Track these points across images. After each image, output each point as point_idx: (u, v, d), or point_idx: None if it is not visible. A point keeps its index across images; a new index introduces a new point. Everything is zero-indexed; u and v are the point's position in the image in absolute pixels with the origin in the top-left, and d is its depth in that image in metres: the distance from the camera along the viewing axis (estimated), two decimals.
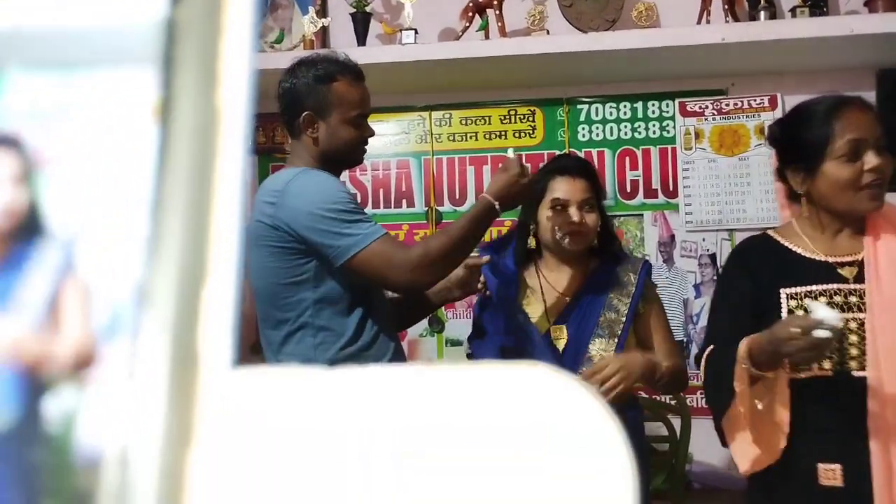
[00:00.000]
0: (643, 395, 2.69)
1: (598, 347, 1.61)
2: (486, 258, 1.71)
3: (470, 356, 1.79)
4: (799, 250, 1.44)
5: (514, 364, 0.30)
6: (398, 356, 1.64)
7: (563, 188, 1.65)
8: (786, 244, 1.47)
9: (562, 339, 1.63)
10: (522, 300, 1.69)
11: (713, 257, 2.82)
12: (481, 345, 1.70)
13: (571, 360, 1.60)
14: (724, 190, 2.82)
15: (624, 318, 1.64)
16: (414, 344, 2.93)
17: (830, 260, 1.42)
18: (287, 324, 1.56)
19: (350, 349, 1.53)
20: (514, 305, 1.67)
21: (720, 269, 1.51)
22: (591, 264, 1.72)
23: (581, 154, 2.91)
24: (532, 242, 1.71)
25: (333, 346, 1.53)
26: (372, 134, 1.67)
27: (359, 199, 2.99)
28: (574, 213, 1.63)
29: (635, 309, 1.65)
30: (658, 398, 2.61)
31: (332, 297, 1.53)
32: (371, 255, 1.46)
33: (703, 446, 2.65)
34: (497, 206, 1.52)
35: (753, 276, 1.45)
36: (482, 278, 1.72)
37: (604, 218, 1.70)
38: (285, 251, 1.52)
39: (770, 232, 1.54)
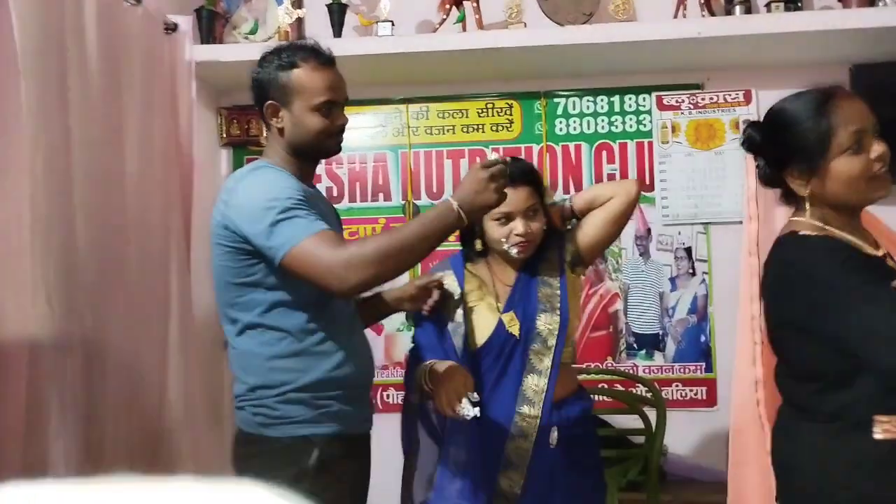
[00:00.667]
0: (619, 387, 2.70)
1: (545, 322, 1.67)
2: (437, 277, 1.71)
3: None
4: (860, 246, 1.34)
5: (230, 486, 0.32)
6: (354, 356, 1.58)
7: (506, 200, 1.59)
8: (851, 240, 1.34)
9: (515, 325, 1.67)
10: (473, 294, 1.73)
11: (689, 251, 2.84)
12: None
13: (524, 340, 1.66)
14: (700, 184, 2.84)
15: (558, 291, 1.70)
16: (391, 338, 2.92)
17: (878, 254, 1.35)
18: (238, 322, 1.54)
19: (294, 347, 1.50)
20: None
21: (794, 270, 1.36)
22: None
23: (558, 148, 2.91)
24: (479, 245, 1.72)
25: (278, 344, 1.51)
26: (343, 122, 1.58)
27: (335, 193, 2.97)
28: (519, 224, 1.64)
29: (564, 278, 1.72)
30: (634, 391, 2.63)
31: (282, 299, 1.50)
32: (300, 253, 1.36)
33: (678, 439, 2.68)
34: (459, 212, 1.38)
35: None
36: (432, 298, 1.70)
37: (547, 216, 1.72)
38: (235, 251, 1.48)
39: (821, 232, 1.35)
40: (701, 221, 2.83)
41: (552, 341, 1.65)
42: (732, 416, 1.75)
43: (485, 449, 1.62)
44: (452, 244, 1.75)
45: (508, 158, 1.59)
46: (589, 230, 1.74)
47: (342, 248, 1.39)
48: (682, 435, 2.70)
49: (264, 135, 2.93)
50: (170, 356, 2.04)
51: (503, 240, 1.65)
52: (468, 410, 1.44)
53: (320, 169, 2.97)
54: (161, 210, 2.05)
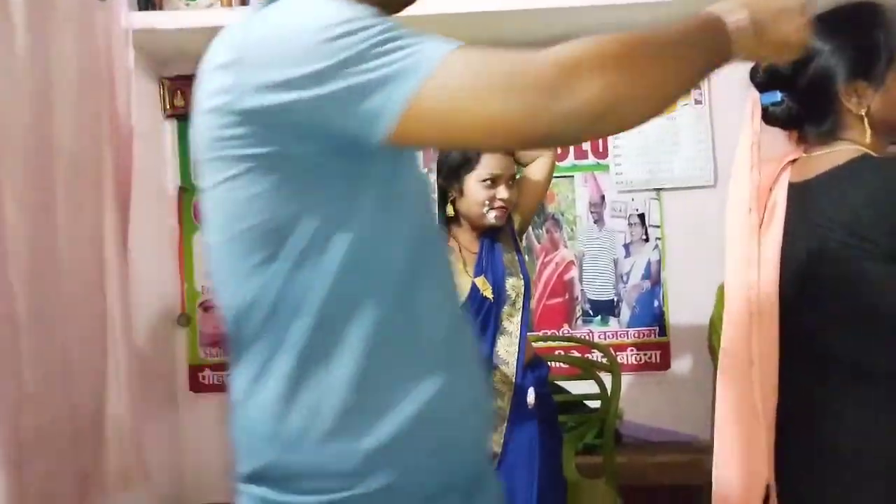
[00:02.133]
0: (576, 353, 2.74)
1: (512, 285, 1.74)
2: None
3: None
4: None
5: None
6: None
7: (496, 164, 1.69)
8: None
9: (488, 288, 1.71)
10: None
11: (642, 217, 2.86)
12: None
13: (496, 303, 1.72)
14: (653, 150, 2.85)
15: (517, 257, 1.79)
16: None
17: None
18: None
19: None
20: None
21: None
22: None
23: None
24: (451, 210, 1.76)
25: None
26: None
27: None
28: (503, 189, 1.70)
29: (518, 245, 1.82)
30: (590, 357, 2.66)
31: None
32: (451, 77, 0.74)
33: (633, 402, 2.73)
34: (738, 31, 0.82)
35: None
36: None
37: None
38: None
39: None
40: (654, 188, 2.85)
41: (519, 303, 1.72)
42: (719, 406, 1.37)
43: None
44: None
45: None
46: (528, 199, 1.82)
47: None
48: (637, 398, 2.75)
49: None
50: (108, 335, 1.98)
51: (486, 202, 1.69)
52: None
53: None
54: (95, 185, 1.97)
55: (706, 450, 2.62)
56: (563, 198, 2.88)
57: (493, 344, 1.69)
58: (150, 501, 2.57)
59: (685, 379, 2.81)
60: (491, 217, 1.70)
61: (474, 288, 1.71)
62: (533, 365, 1.77)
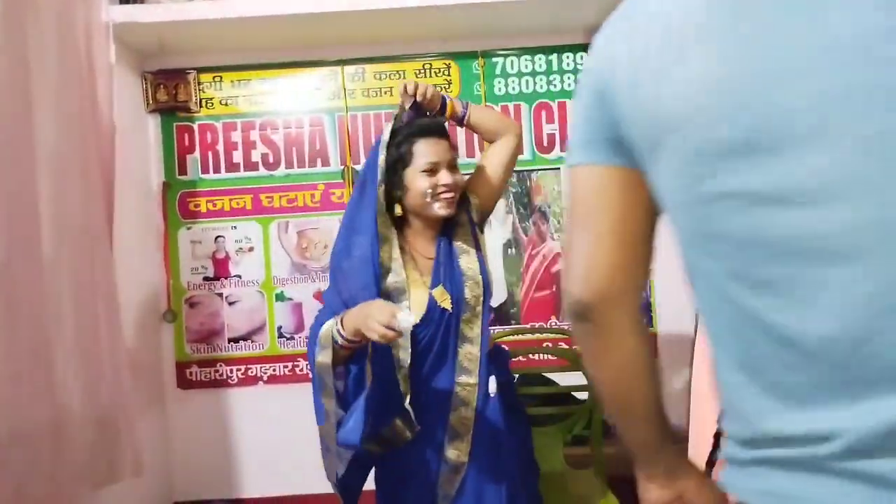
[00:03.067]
0: (564, 346, 2.74)
1: (470, 291, 1.64)
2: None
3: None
4: None
5: None
6: None
7: (431, 150, 1.61)
8: None
9: (447, 299, 1.63)
10: (393, 265, 1.64)
11: None
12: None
13: (456, 313, 1.62)
14: None
15: (476, 259, 1.68)
16: None
17: None
18: None
19: None
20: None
21: None
22: (442, 221, 1.71)
23: (498, 108, 2.88)
24: (399, 210, 1.65)
25: None
26: None
27: (271, 160, 2.89)
28: (445, 175, 1.61)
29: (478, 242, 1.71)
30: (578, 348, 2.66)
31: None
32: None
33: None
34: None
35: None
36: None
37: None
38: None
39: None
40: None
41: (479, 308, 1.64)
42: (694, 392, 1.60)
43: (429, 426, 1.60)
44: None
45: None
46: (488, 180, 1.74)
47: None
48: None
49: (193, 100, 2.84)
50: (97, 332, 1.96)
51: (429, 191, 1.61)
52: (405, 320, 1.36)
53: (255, 135, 2.89)
54: (77, 180, 1.95)
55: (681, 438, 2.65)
56: (550, 190, 2.89)
57: (455, 354, 1.61)
58: (139, 497, 2.56)
59: (672, 370, 2.83)
60: (436, 207, 1.61)
61: (431, 301, 1.61)
62: (492, 355, 1.69)
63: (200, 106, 2.89)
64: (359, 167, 2.89)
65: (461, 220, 1.71)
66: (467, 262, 1.67)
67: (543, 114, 2.89)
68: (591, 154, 0.79)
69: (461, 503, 1.60)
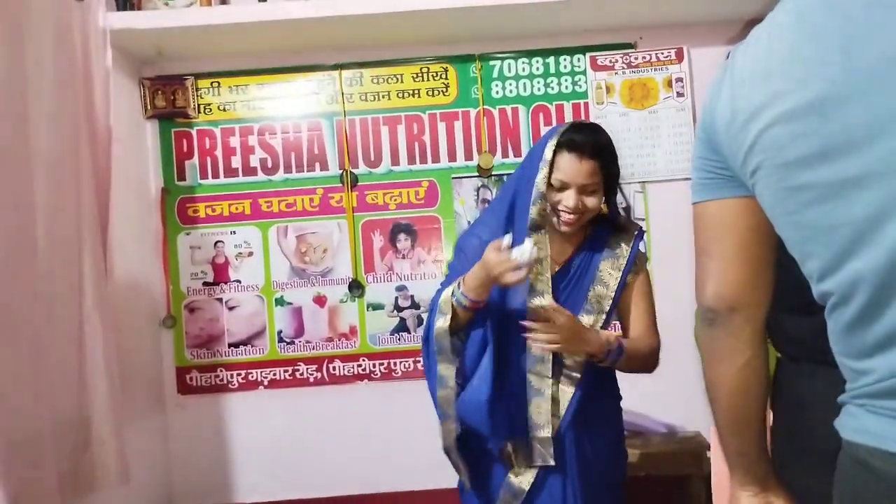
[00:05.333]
0: None
1: (586, 322, 1.57)
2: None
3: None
4: None
5: None
6: None
7: (566, 168, 1.53)
8: None
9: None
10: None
11: (627, 210, 2.86)
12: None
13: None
14: (636, 143, 2.86)
15: (613, 293, 1.61)
16: (334, 310, 2.88)
17: None
18: None
19: None
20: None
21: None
22: (588, 230, 1.65)
23: (496, 112, 2.88)
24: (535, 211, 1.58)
25: None
26: None
27: (269, 164, 2.89)
28: (571, 196, 1.54)
29: (624, 283, 1.62)
30: None
31: None
32: None
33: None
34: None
35: None
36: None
37: (609, 198, 1.62)
38: None
39: None
40: (638, 181, 2.86)
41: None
42: None
43: (507, 387, 1.56)
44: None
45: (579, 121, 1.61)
46: (627, 311, 1.66)
47: None
48: (623, 389, 2.75)
49: (192, 106, 2.84)
50: (86, 337, 1.96)
51: (552, 207, 1.56)
52: (525, 253, 1.42)
53: (253, 140, 2.90)
54: (72, 186, 1.95)
55: (692, 440, 2.64)
56: None
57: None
58: (139, 502, 2.56)
59: (671, 370, 2.82)
60: (557, 223, 1.58)
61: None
62: (602, 396, 1.67)
63: (199, 112, 2.89)
64: (358, 171, 2.89)
65: (617, 250, 1.64)
66: (600, 294, 1.61)
67: (541, 116, 2.89)
68: (708, 192, 0.92)
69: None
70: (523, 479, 1.58)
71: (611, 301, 1.60)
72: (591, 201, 1.57)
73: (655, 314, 1.69)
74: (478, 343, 1.57)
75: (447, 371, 1.56)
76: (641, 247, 1.71)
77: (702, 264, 0.96)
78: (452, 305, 1.53)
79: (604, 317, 1.60)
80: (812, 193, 0.76)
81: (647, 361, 1.65)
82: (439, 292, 1.60)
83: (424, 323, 1.65)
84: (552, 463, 1.56)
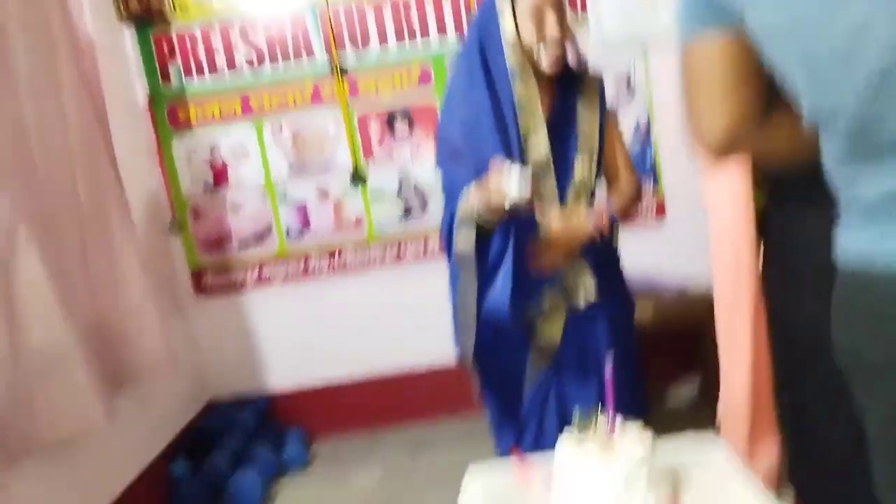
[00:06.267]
0: None
1: (581, 167, 1.61)
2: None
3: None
4: None
5: None
6: None
7: None
8: None
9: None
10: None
11: (627, 76, 2.79)
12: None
13: (563, 173, 1.59)
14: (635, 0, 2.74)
15: (597, 135, 1.63)
16: (339, 205, 2.88)
17: None
18: None
19: None
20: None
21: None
22: (554, 81, 1.63)
23: None
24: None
25: None
26: None
27: (255, 61, 2.80)
28: (552, 22, 1.51)
29: (602, 122, 1.64)
30: None
31: None
32: None
33: (633, 256, 2.78)
34: None
35: None
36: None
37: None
38: None
39: None
40: (638, 41, 2.77)
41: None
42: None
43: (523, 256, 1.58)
44: None
45: None
46: (611, 154, 1.69)
47: None
48: (637, 252, 2.80)
49: (167, 5, 2.72)
50: (116, 243, 2.00)
51: (532, 49, 1.52)
52: (514, 190, 1.40)
53: (234, 37, 2.79)
54: (66, 101, 1.91)
55: (700, 299, 2.71)
56: None
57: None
58: (174, 394, 2.70)
59: (680, 232, 2.86)
60: (545, 63, 1.54)
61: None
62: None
63: (174, 9, 2.77)
64: (347, 59, 2.80)
65: (588, 90, 1.64)
66: (587, 134, 1.62)
67: None
68: (698, 22, 0.90)
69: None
70: (552, 332, 1.63)
71: (596, 140, 1.63)
72: (569, 23, 1.54)
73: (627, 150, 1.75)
74: (499, 241, 1.56)
75: (468, 276, 1.58)
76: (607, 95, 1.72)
77: (697, 102, 0.94)
78: (476, 223, 1.52)
79: (595, 154, 1.62)
80: None
81: (635, 202, 1.71)
82: (449, 212, 1.58)
83: (441, 236, 1.64)
84: (593, 299, 1.60)
